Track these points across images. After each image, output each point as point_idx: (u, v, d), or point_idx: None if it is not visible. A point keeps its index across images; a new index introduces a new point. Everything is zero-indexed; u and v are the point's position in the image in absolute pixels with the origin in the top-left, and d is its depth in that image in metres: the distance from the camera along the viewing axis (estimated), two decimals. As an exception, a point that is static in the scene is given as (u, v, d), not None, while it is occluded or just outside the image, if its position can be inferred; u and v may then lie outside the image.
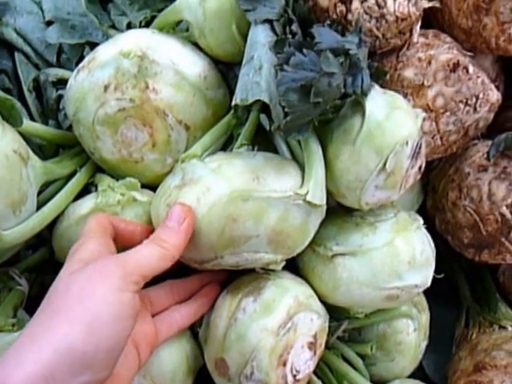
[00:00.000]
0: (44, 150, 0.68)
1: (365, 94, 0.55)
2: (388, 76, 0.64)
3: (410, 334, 0.72)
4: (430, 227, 0.73)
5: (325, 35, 0.52)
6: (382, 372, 0.74)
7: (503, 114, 0.78)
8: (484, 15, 0.64)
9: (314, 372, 0.65)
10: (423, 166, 0.61)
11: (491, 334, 0.76)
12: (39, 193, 0.61)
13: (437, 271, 0.66)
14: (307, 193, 0.55)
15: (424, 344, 0.76)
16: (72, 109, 0.63)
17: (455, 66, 0.63)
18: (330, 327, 0.66)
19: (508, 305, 0.81)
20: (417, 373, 0.78)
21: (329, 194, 0.59)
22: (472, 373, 0.71)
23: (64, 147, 0.69)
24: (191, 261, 0.58)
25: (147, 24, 0.71)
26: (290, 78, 0.49)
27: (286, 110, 0.50)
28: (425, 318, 0.75)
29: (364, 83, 0.54)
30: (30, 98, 0.70)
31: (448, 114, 0.64)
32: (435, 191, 0.76)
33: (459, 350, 0.77)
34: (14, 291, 0.65)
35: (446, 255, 0.79)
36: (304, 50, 0.50)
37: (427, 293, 0.72)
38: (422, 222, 0.66)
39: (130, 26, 0.71)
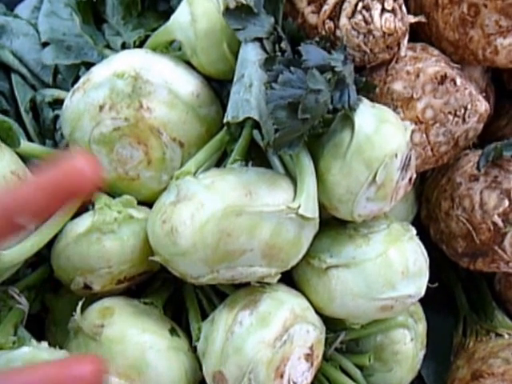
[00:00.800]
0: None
1: (353, 108, 0.57)
2: (377, 89, 0.66)
3: (407, 344, 0.72)
4: (426, 237, 0.74)
5: (312, 53, 0.53)
6: (381, 383, 0.74)
7: (495, 124, 0.80)
8: (470, 28, 0.66)
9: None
10: (414, 177, 0.62)
11: (488, 342, 0.76)
12: (37, 212, 0.62)
13: (433, 280, 0.67)
14: (299, 206, 0.56)
15: (422, 353, 0.76)
16: (68, 129, 0.64)
17: (443, 79, 0.64)
18: (327, 339, 0.67)
19: (504, 313, 0.81)
20: (416, 383, 0.78)
21: (322, 206, 0.60)
22: (469, 381, 0.71)
23: (61, 167, 0.70)
24: (187, 276, 0.59)
25: (141, 43, 0.73)
26: (278, 95, 0.51)
27: (276, 126, 0.51)
28: (422, 327, 0.75)
29: (351, 98, 0.55)
30: (27, 119, 0.72)
31: (437, 125, 0.65)
32: (428, 201, 0.77)
33: (457, 359, 0.78)
34: (14, 310, 0.65)
35: (442, 264, 0.80)
36: (292, 68, 0.52)
37: (424, 302, 0.72)
38: (414, 232, 0.66)
39: (124, 46, 0.73)
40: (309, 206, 0.57)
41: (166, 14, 0.71)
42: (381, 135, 0.57)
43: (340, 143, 0.58)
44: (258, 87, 0.56)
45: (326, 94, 0.51)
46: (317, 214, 0.59)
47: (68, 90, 0.67)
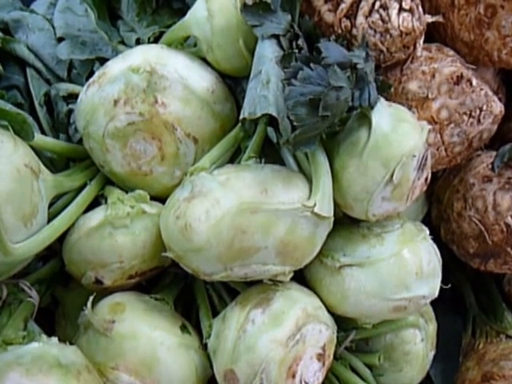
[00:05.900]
0: (55, 163, 0.69)
1: (371, 107, 0.57)
2: (392, 89, 0.65)
3: (418, 344, 0.72)
4: (435, 237, 0.73)
5: (332, 50, 0.53)
6: (391, 382, 0.74)
7: (506, 126, 0.79)
8: (486, 29, 0.66)
9: (323, 383, 0.65)
10: (429, 177, 0.62)
11: (498, 343, 0.76)
12: (50, 205, 0.62)
13: (442, 281, 0.67)
14: (315, 205, 0.55)
15: (431, 354, 0.76)
16: (82, 122, 0.64)
17: (459, 79, 0.64)
18: (337, 338, 0.67)
19: (515, 315, 0.81)
20: (424, 383, 0.78)
21: (336, 205, 0.60)
22: (480, 383, 0.71)
23: (74, 160, 0.70)
24: (200, 273, 0.58)
25: (155, 40, 0.73)
26: (298, 92, 0.50)
27: (295, 123, 0.51)
28: (432, 327, 0.75)
29: (371, 96, 0.55)
30: (41, 113, 0.72)
31: (452, 125, 0.65)
32: (440, 201, 0.77)
33: (466, 361, 0.78)
34: (24, 303, 0.65)
35: (451, 265, 0.80)
36: (311, 65, 0.52)
37: (433, 303, 0.72)
38: (428, 232, 0.66)
39: (138, 42, 0.73)
40: (324, 205, 0.57)
41: (181, 12, 0.72)
42: (398, 134, 0.57)
43: (357, 141, 0.58)
44: (275, 84, 0.56)
45: (347, 91, 0.51)
46: (332, 213, 0.58)
47: (82, 85, 0.67)
